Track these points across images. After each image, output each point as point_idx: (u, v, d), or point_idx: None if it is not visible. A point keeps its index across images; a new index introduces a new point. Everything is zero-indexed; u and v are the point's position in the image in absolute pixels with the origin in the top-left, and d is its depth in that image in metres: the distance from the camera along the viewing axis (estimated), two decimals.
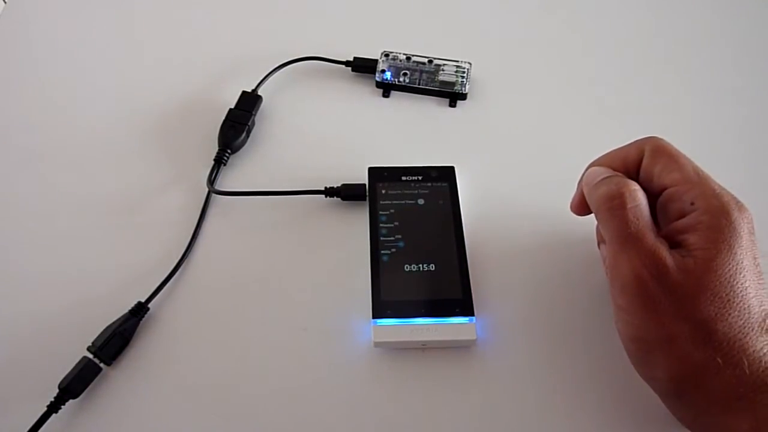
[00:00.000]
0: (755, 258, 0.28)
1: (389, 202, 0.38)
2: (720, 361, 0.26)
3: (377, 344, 0.34)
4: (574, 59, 0.48)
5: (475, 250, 0.37)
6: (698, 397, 0.27)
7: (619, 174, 0.31)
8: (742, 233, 0.28)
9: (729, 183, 0.41)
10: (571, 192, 0.35)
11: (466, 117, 0.45)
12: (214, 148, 0.42)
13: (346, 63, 0.46)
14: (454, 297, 0.34)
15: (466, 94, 0.45)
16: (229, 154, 0.42)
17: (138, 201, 0.40)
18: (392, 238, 0.36)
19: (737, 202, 0.29)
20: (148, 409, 0.33)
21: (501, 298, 0.36)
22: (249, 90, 0.44)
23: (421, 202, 0.38)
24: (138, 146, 0.43)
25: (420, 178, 0.39)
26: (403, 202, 0.38)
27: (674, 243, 0.29)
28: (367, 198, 0.39)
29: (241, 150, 0.43)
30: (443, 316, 0.34)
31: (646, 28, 0.50)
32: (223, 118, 0.43)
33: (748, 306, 0.27)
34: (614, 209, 0.29)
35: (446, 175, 0.39)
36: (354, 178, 0.40)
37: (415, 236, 0.37)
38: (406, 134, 0.44)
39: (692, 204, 0.29)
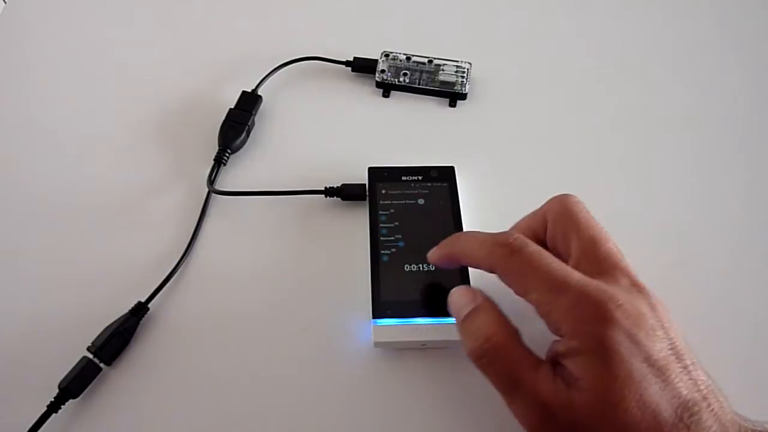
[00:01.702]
0: (648, 357, 0.25)
1: (389, 202, 0.38)
2: None
3: (377, 344, 0.34)
4: (574, 59, 0.48)
5: None
6: None
7: (481, 303, 0.29)
8: (618, 346, 0.25)
9: (729, 184, 0.42)
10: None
11: (466, 117, 0.45)
12: (214, 148, 0.42)
13: (346, 63, 0.46)
14: None
15: (466, 94, 0.45)
16: (229, 154, 0.42)
17: (138, 201, 0.40)
18: (392, 238, 0.36)
19: (600, 307, 0.26)
20: (147, 409, 0.33)
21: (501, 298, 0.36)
22: (249, 90, 0.44)
23: (421, 202, 0.38)
24: (138, 146, 0.43)
25: (420, 178, 0.39)
26: (403, 202, 0.38)
27: (557, 363, 0.27)
28: (367, 198, 0.39)
29: (241, 150, 0.43)
30: (443, 316, 0.34)
31: (647, 27, 0.50)
32: (223, 118, 0.43)
33: (654, 413, 0.24)
34: (486, 365, 0.28)
35: (446, 175, 0.39)
36: (354, 178, 0.40)
37: (415, 236, 0.37)
38: (406, 134, 0.44)
39: (558, 330, 0.27)
